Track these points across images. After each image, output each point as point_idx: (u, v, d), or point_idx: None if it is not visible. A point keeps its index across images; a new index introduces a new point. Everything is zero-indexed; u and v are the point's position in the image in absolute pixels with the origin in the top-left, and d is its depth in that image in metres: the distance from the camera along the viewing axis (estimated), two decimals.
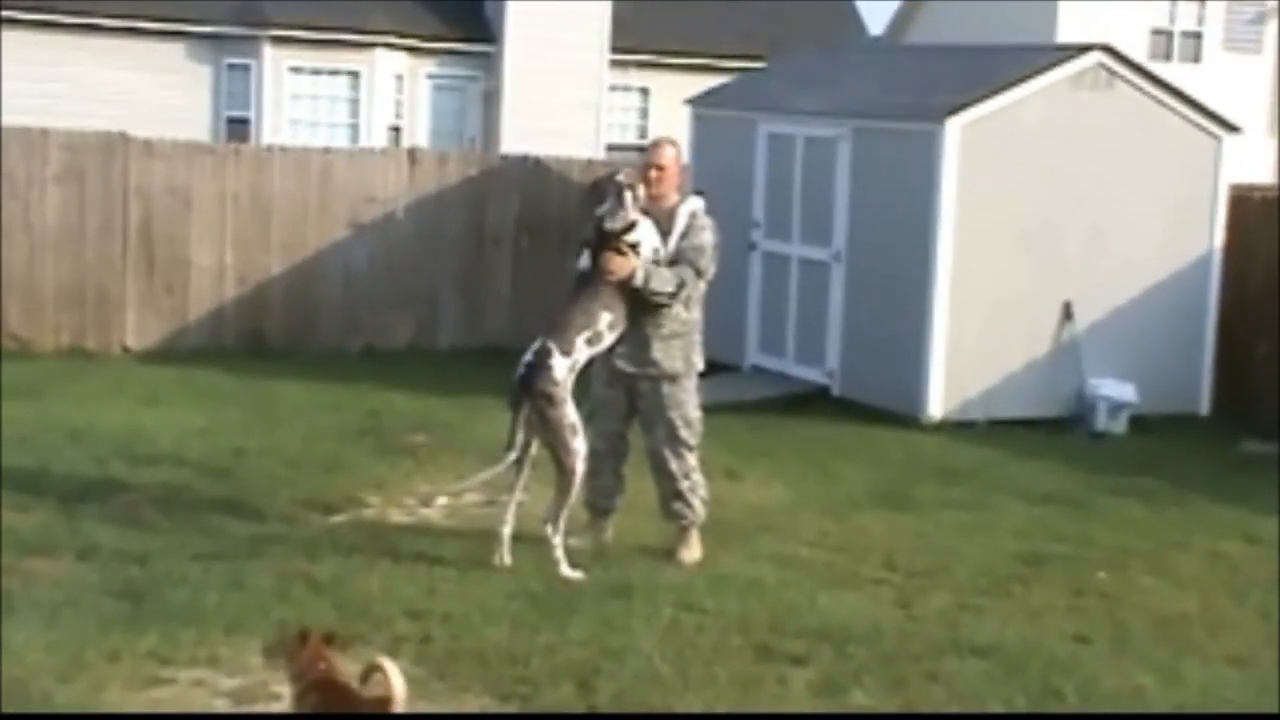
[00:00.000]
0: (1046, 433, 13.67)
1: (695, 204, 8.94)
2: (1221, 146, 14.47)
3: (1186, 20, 34.19)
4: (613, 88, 26.37)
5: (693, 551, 8.95)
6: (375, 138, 24.58)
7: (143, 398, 13.02)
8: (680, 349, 8.82)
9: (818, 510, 10.44)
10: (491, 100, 26.00)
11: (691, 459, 8.95)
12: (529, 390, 8.30)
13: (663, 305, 8.67)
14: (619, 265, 8.53)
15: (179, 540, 8.41)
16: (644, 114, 27.08)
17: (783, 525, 9.94)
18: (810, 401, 14.40)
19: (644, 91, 26.94)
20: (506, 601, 7.80)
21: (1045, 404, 14.09)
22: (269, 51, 24.88)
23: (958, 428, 13.62)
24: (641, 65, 26.55)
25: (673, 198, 8.86)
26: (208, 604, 7.31)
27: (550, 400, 8.27)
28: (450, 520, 9.65)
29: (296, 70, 25.08)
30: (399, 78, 25.77)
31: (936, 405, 13.75)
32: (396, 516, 9.67)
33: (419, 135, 25.66)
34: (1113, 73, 14.05)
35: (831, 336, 14.62)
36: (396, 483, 10.36)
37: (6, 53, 23.61)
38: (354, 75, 25.40)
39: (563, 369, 8.33)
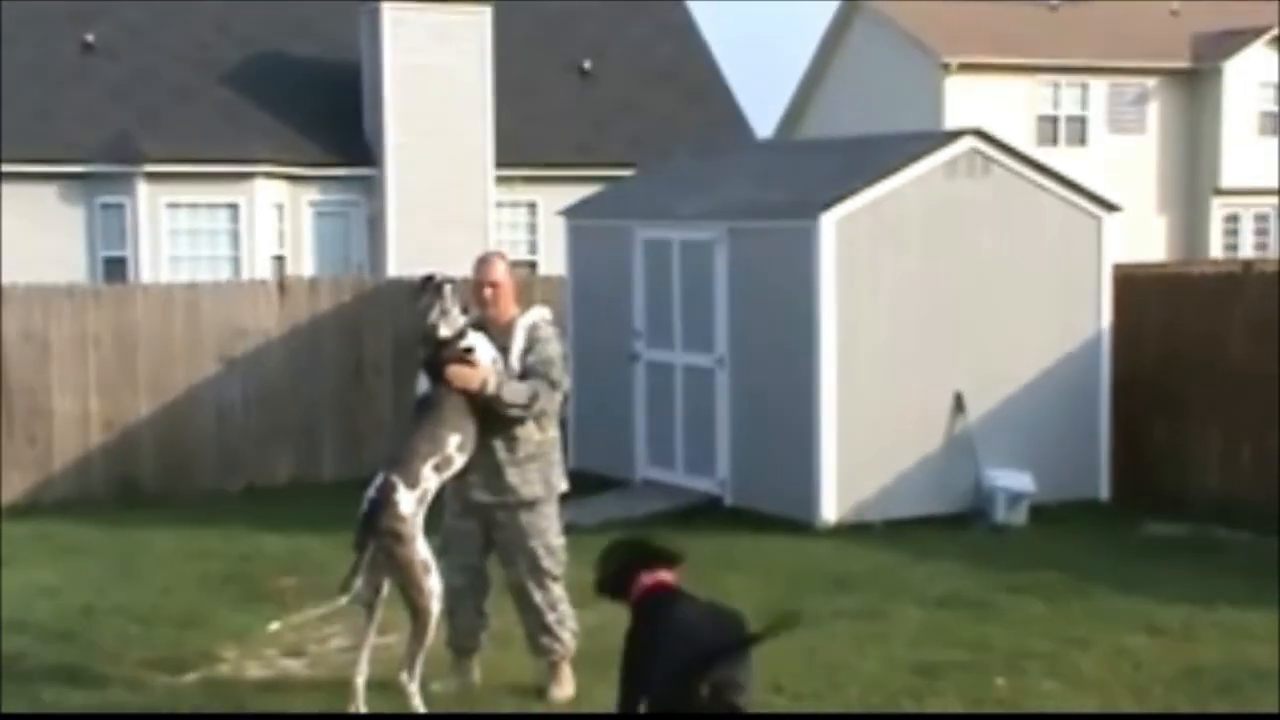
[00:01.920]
0: (945, 530, 13.26)
1: (536, 315, 8.42)
2: (1102, 226, 14.21)
3: (1070, 105, 34.45)
4: (500, 204, 25.98)
5: (564, 688, 8.40)
6: (259, 269, 24.06)
7: None
8: (537, 472, 8.29)
9: None
10: (376, 224, 25.57)
11: (557, 589, 8.42)
12: (374, 529, 7.76)
13: (514, 424, 8.14)
14: (465, 375, 8.00)
15: None
16: (532, 229, 26.72)
17: None
18: (702, 513, 13.92)
19: (531, 206, 26.58)
20: None
21: (942, 500, 13.68)
22: (144, 188, 24.41)
23: (854, 531, 13.17)
24: (528, 180, 26.19)
25: (510, 311, 8.36)
26: None
27: (398, 538, 7.73)
28: (312, 670, 9.05)
29: (173, 206, 24.61)
30: (279, 207, 25.32)
31: (830, 509, 13.30)
32: (254, 670, 9.05)
33: (304, 263, 25.17)
34: (987, 158, 13.78)
35: (720, 445, 14.18)
36: (258, 633, 9.72)
37: None
38: (233, 207, 24.94)
39: (409, 503, 7.79)
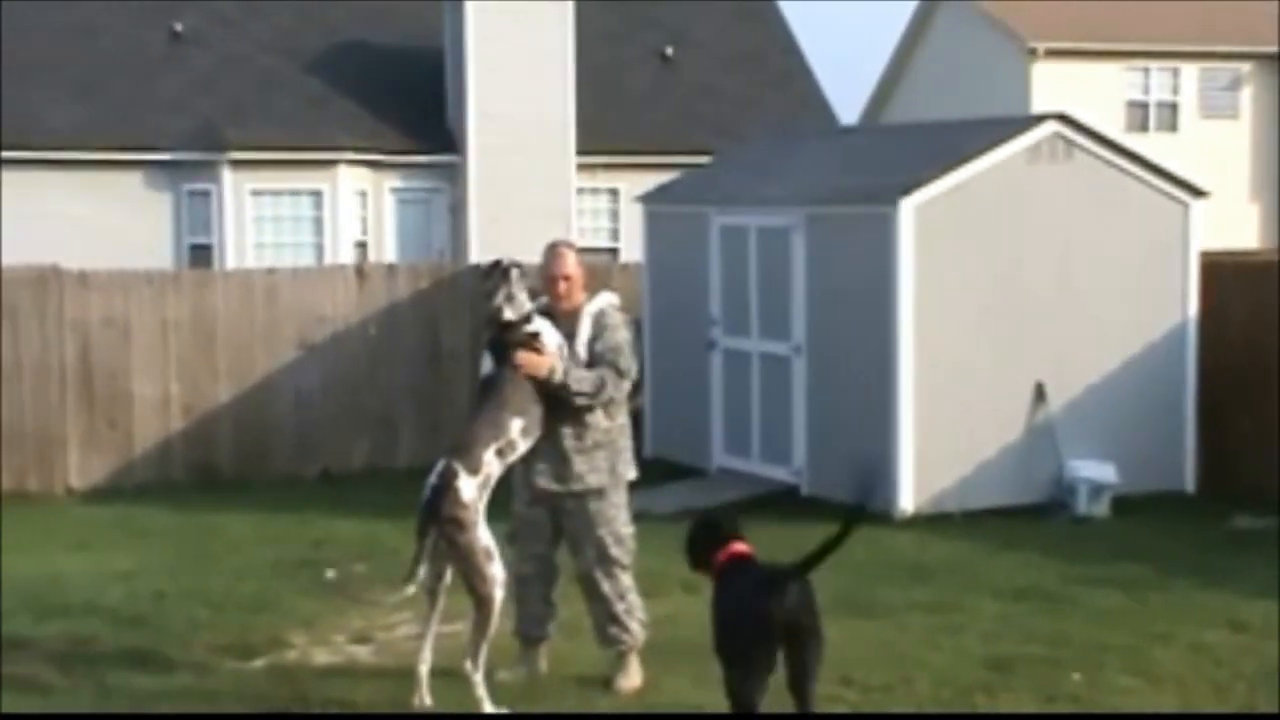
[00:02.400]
0: (1025, 521, 13.05)
1: (603, 300, 8.30)
2: (1189, 212, 13.93)
3: (1161, 90, 33.91)
4: (581, 191, 25.91)
5: (631, 679, 8.30)
6: (341, 256, 24.14)
7: (72, 542, 12.42)
8: (605, 460, 8.19)
9: None
10: (458, 211, 25.58)
11: (625, 579, 8.32)
12: (435, 516, 7.68)
13: (581, 411, 8.05)
14: (533, 361, 7.91)
15: (66, 701, 7.78)
16: (614, 216, 26.62)
17: None
18: (777, 502, 13.76)
19: (613, 193, 26.48)
20: None
21: (1023, 491, 13.47)
22: (229, 175, 24.51)
23: (931, 522, 12.99)
24: (609, 167, 26.10)
25: (579, 299, 8.26)
26: None
27: (459, 525, 7.65)
28: (379, 658, 9.01)
29: (258, 193, 24.70)
30: (362, 194, 25.38)
31: (908, 499, 13.12)
32: (321, 657, 9.01)
33: (386, 250, 25.26)
34: (1071, 143, 13.53)
35: (797, 433, 14.03)
36: (327, 619, 9.71)
37: None
38: (316, 194, 25.00)
39: (471, 490, 7.70)
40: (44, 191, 23.63)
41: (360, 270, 16.70)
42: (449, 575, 7.82)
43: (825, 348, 13.75)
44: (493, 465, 7.79)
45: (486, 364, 8.11)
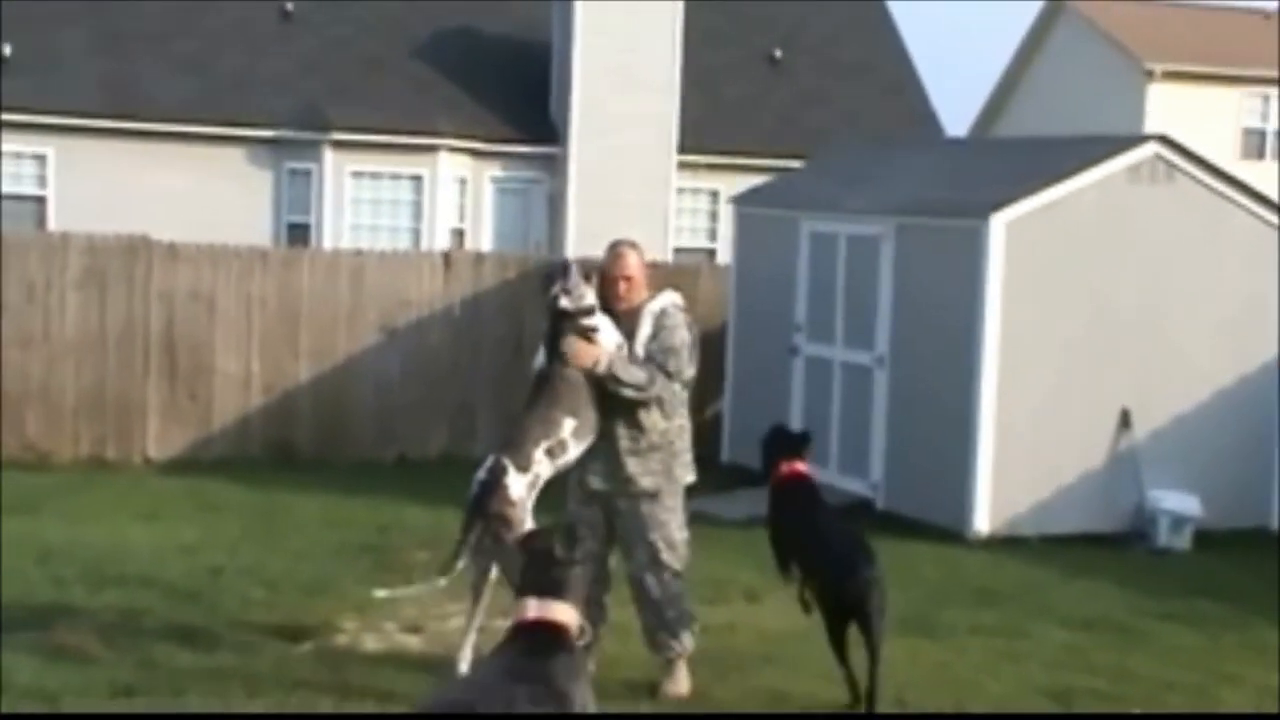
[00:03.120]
0: (1103, 550, 12.78)
1: (665, 300, 8.13)
2: None
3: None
4: (681, 190, 25.79)
5: (679, 686, 8.13)
6: (438, 241, 24.14)
7: (142, 512, 12.44)
8: (660, 462, 8.03)
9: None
10: (557, 203, 25.53)
11: (677, 585, 8.15)
12: (483, 512, 7.56)
13: (637, 411, 7.89)
14: (581, 350, 7.78)
15: (108, 675, 7.71)
16: (713, 217, 26.47)
17: (793, 656, 9.05)
18: (852, 515, 13.52)
19: (713, 194, 26.32)
20: None
21: (1102, 518, 13.19)
22: (330, 156, 24.58)
23: (1006, 544, 12.74)
24: (711, 167, 25.96)
25: (641, 297, 8.11)
26: None
27: (506, 522, 7.52)
28: (428, 646, 8.90)
29: (358, 175, 24.76)
30: (462, 181, 25.38)
31: (983, 520, 12.88)
32: (370, 644, 8.93)
33: (483, 238, 25.25)
34: (1171, 165, 13.24)
35: (875, 446, 13.82)
36: (381, 605, 9.60)
37: (66, 160, 23.55)
38: (416, 179, 25.02)
39: (520, 487, 7.58)
40: (148, 164, 23.82)
41: (447, 257, 16.64)
42: (495, 572, 7.70)
43: (908, 361, 13.53)
44: (542, 465, 7.66)
45: (540, 358, 7.99)
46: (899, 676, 8.75)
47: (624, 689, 8.12)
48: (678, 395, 8.01)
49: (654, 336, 7.92)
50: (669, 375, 7.88)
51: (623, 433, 7.92)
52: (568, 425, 7.72)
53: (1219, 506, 13.22)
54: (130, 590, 9.60)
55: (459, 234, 25.04)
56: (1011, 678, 8.85)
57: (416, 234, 24.88)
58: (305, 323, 15.78)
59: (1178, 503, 13.15)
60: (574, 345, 7.77)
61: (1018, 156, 14.36)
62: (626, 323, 7.95)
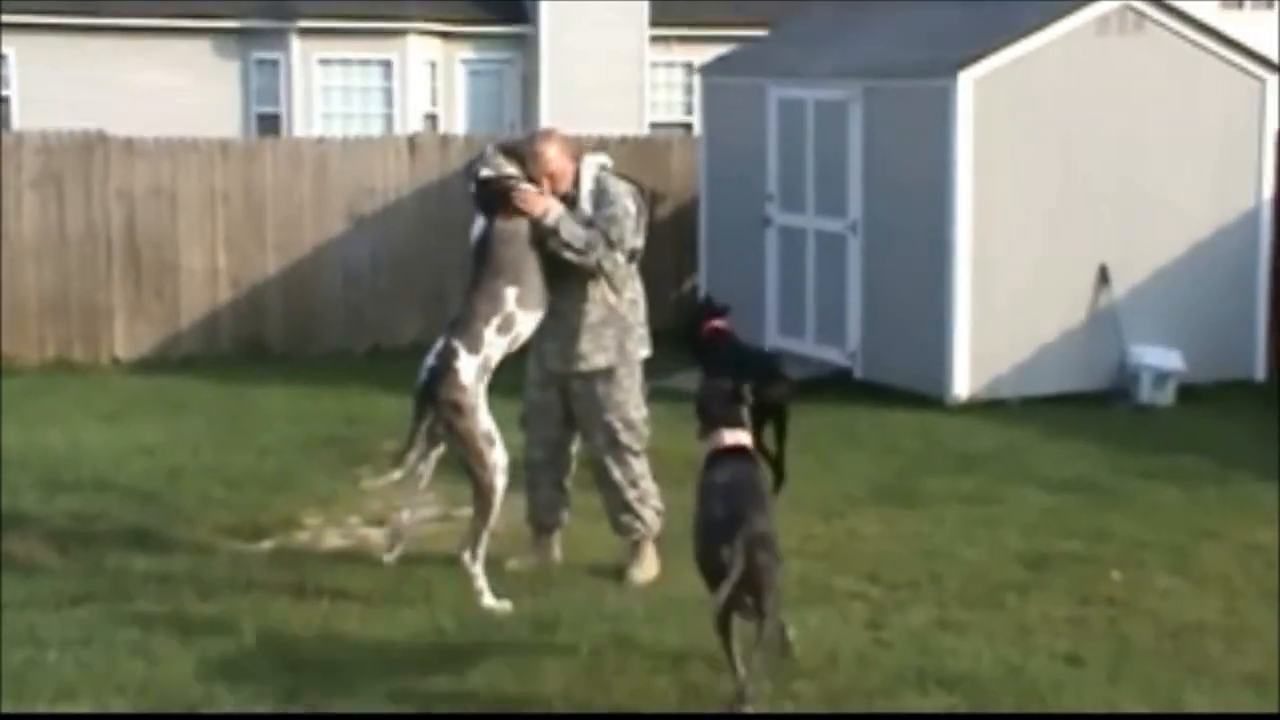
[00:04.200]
0: (1085, 409, 12.61)
1: (594, 164, 7.79)
2: (1266, 89, 13.26)
3: None
4: (655, 64, 25.36)
5: (645, 569, 7.95)
6: (410, 127, 23.69)
7: (104, 414, 12.24)
8: (613, 339, 7.76)
9: (811, 510, 9.36)
10: (530, 84, 25.09)
11: (638, 465, 7.94)
12: (433, 399, 7.33)
13: (585, 286, 7.61)
14: (530, 196, 7.47)
15: (55, 585, 7.50)
16: (688, 90, 25.99)
17: None
18: (830, 385, 13.35)
19: (688, 67, 25.80)
20: (409, 640, 6.85)
21: (1084, 377, 13.00)
22: (297, 44, 24.09)
23: (987, 408, 12.56)
24: (684, 40, 25.46)
25: (567, 185, 7.71)
26: (43, 665, 6.39)
27: (458, 409, 7.29)
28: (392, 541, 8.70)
29: (326, 62, 24.28)
30: (433, 65, 24.90)
31: (963, 384, 12.69)
32: (332, 540, 8.74)
33: (456, 122, 24.82)
34: (1141, 15, 12.90)
35: (851, 315, 13.60)
36: (345, 499, 9.44)
37: (29, 58, 23.10)
38: (386, 65, 24.55)
39: (471, 370, 7.34)
40: (113, 60, 23.33)
41: (412, 142, 16.30)
42: (434, 458, 7.48)
43: (882, 227, 13.27)
44: (493, 345, 7.40)
45: (477, 225, 7.71)
46: (874, 549, 8.62)
47: (589, 574, 7.97)
48: (625, 268, 7.73)
49: (596, 207, 7.64)
50: (611, 245, 7.58)
51: (573, 308, 7.68)
52: (510, 295, 7.43)
53: (1202, 360, 13.03)
54: (86, 495, 9.39)
55: (432, 119, 24.61)
56: (987, 545, 8.68)
57: (389, 120, 24.44)
58: (270, 214, 15.49)
59: (1159, 358, 12.95)
60: (522, 192, 7.48)
61: (985, 13, 13.94)
62: (567, 196, 7.66)
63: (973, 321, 12.64)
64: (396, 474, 7.48)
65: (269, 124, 23.90)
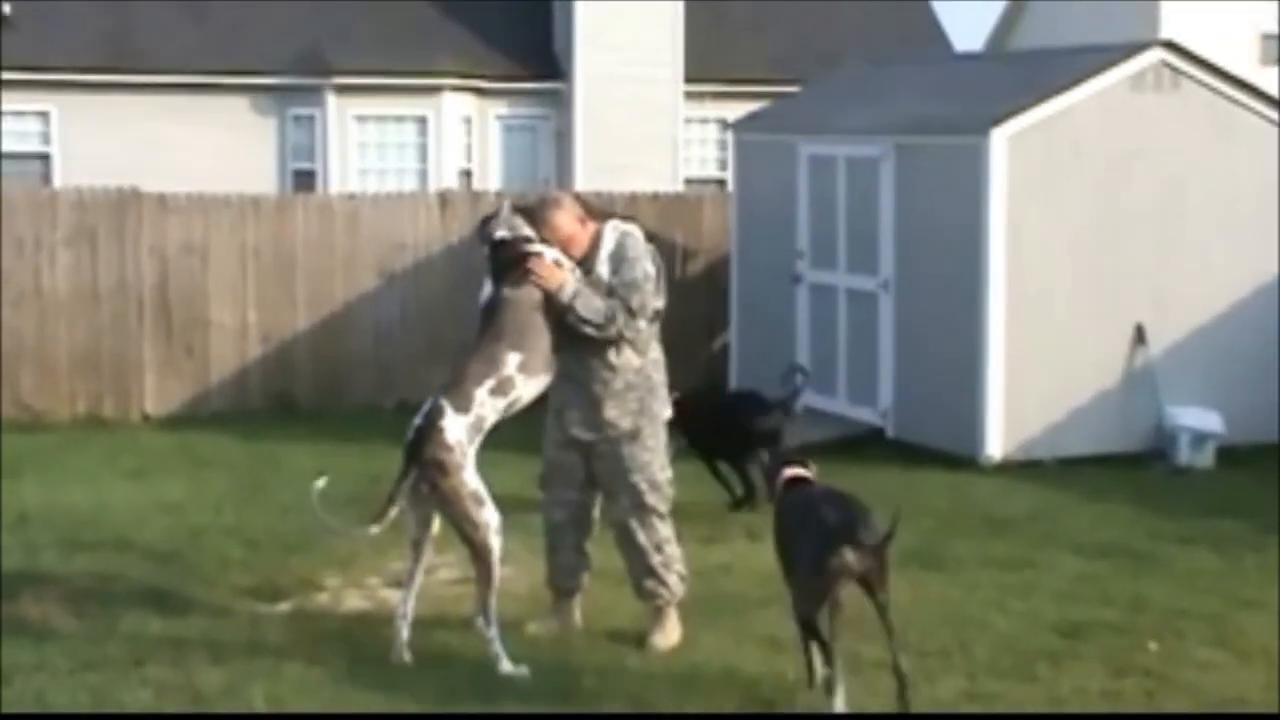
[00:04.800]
0: (1121, 471, 12.39)
1: (619, 229, 7.66)
2: None
3: None
4: (689, 120, 25.32)
5: (668, 635, 7.78)
6: (445, 183, 23.68)
7: (130, 470, 12.16)
8: (637, 400, 7.62)
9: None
10: (564, 139, 25.08)
11: (663, 528, 7.78)
12: (417, 458, 7.18)
13: (608, 352, 7.48)
14: (547, 271, 7.34)
15: (69, 647, 7.38)
16: (722, 145, 25.94)
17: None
18: (862, 445, 13.20)
19: (722, 122, 25.76)
20: (424, 706, 6.71)
21: (1120, 438, 12.79)
22: (333, 100, 24.15)
23: (1021, 469, 12.37)
24: (718, 96, 25.42)
25: (585, 245, 7.59)
26: None
27: (442, 469, 7.13)
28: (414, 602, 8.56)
29: (362, 119, 24.33)
30: (468, 120, 24.93)
31: (996, 445, 12.49)
32: (351, 601, 8.62)
33: (490, 178, 24.81)
34: (1177, 71, 12.75)
35: (884, 373, 13.43)
36: (365, 559, 9.30)
37: (70, 117, 23.19)
38: (421, 120, 24.58)
39: (458, 430, 7.17)
40: (152, 117, 23.41)
41: (443, 197, 16.25)
42: (436, 524, 7.35)
43: (914, 284, 13.12)
44: (486, 406, 7.25)
45: (486, 290, 7.59)
46: (904, 615, 8.41)
47: (609, 640, 7.82)
48: (649, 329, 7.60)
49: (614, 272, 7.50)
50: (632, 313, 7.45)
51: (597, 374, 7.55)
52: (512, 360, 7.30)
53: (1241, 421, 12.81)
54: (105, 554, 9.29)
55: (466, 174, 24.62)
56: (1021, 613, 8.48)
57: (424, 175, 24.46)
58: (301, 270, 15.45)
59: (1198, 419, 12.74)
60: (540, 263, 7.35)
61: (1020, 70, 13.87)
62: (585, 262, 7.54)
63: (1006, 381, 12.46)
64: (374, 528, 7.32)
65: (305, 180, 23.93)
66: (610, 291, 7.45)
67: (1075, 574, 9.35)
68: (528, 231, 7.48)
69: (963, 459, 12.58)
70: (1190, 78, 12.79)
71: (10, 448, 12.74)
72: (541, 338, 7.38)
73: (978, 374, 12.49)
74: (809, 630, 6.75)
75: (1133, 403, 12.82)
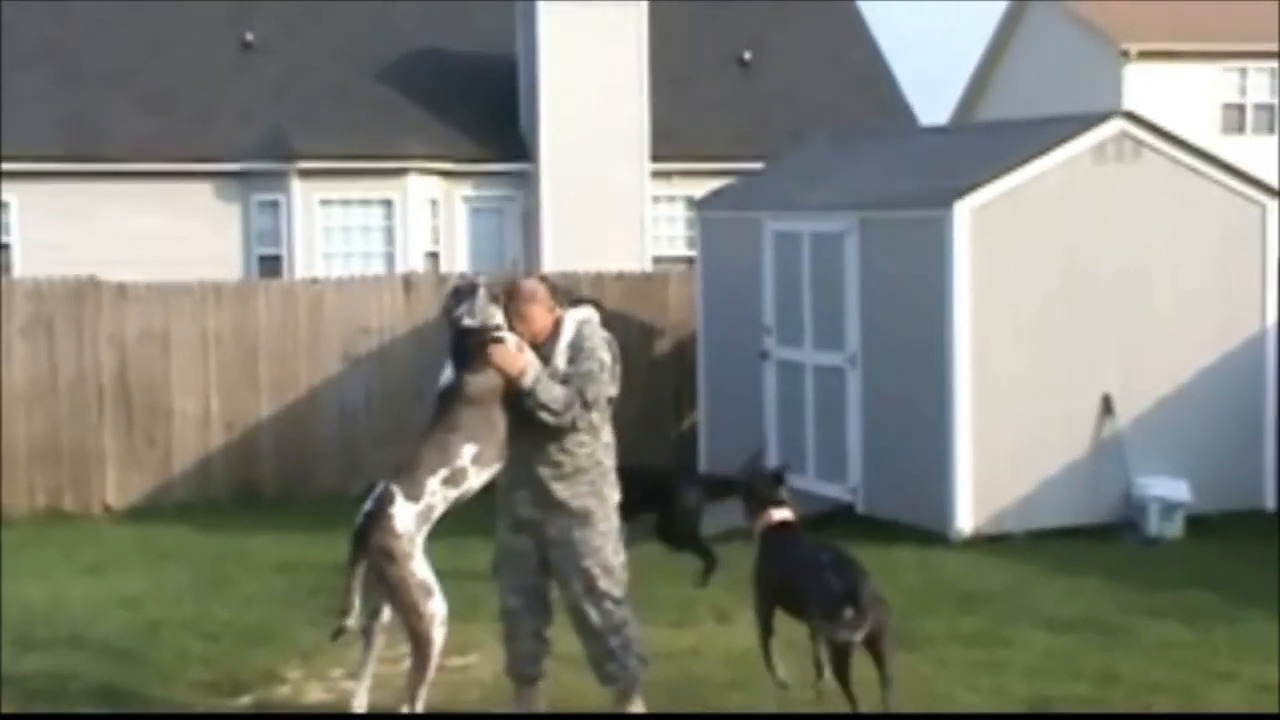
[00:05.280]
0: (1091, 542, 12.33)
1: (578, 318, 7.63)
2: (1266, 214, 13.10)
3: (1259, 92, 32.74)
4: (656, 199, 25.33)
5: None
6: (412, 264, 23.63)
7: (88, 565, 11.98)
8: (588, 484, 7.51)
9: (804, 651, 9.04)
10: (531, 220, 25.04)
11: (620, 612, 7.63)
12: (364, 546, 7.06)
13: (563, 436, 7.39)
14: (507, 355, 7.26)
15: None
16: (691, 223, 25.90)
17: (760, 678, 8.59)
18: (832, 522, 13.04)
19: (689, 200, 25.76)
20: None
21: (1090, 510, 12.73)
22: (298, 185, 24.10)
23: (991, 543, 12.28)
24: (685, 174, 25.44)
25: (547, 324, 7.56)
26: None
27: (389, 556, 7.00)
28: (375, 694, 8.34)
29: (327, 203, 24.28)
30: (434, 203, 24.91)
31: (966, 519, 12.41)
32: (314, 694, 8.48)
33: (457, 259, 24.74)
34: (1139, 142, 12.77)
35: (852, 449, 13.35)
36: (329, 651, 9.12)
37: (30, 205, 23.09)
38: (387, 204, 24.54)
39: (407, 518, 7.06)
40: (115, 206, 23.34)
41: (407, 281, 16.18)
42: (386, 613, 7.21)
43: (880, 359, 13.07)
44: (437, 496, 7.16)
45: (446, 374, 7.50)
46: (871, 695, 8.29)
47: None
48: (601, 414, 7.49)
49: (571, 361, 7.42)
50: (586, 405, 7.36)
51: (548, 457, 7.44)
52: (467, 452, 7.22)
53: (1210, 490, 12.76)
54: (59, 653, 9.11)
55: (433, 257, 24.56)
56: (990, 690, 8.37)
57: (390, 259, 24.39)
58: (264, 356, 15.36)
59: (1167, 489, 12.68)
60: (500, 350, 7.26)
61: (982, 142, 13.90)
62: (543, 349, 7.45)
63: (975, 454, 12.40)
64: (350, 621, 7.17)
65: (271, 266, 23.85)
66: (565, 380, 7.36)
67: (1045, 649, 9.24)
68: (499, 321, 7.37)
69: (933, 534, 12.49)
70: (1151, 148, 12.81)
71: None
72: (497, 429, 7.29)
73: (946, 448, 12.42)
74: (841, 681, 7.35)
75: (1102, 473, 12.76)
